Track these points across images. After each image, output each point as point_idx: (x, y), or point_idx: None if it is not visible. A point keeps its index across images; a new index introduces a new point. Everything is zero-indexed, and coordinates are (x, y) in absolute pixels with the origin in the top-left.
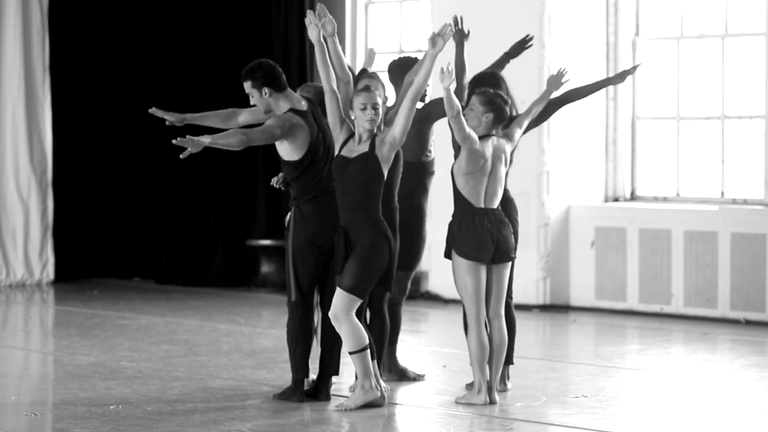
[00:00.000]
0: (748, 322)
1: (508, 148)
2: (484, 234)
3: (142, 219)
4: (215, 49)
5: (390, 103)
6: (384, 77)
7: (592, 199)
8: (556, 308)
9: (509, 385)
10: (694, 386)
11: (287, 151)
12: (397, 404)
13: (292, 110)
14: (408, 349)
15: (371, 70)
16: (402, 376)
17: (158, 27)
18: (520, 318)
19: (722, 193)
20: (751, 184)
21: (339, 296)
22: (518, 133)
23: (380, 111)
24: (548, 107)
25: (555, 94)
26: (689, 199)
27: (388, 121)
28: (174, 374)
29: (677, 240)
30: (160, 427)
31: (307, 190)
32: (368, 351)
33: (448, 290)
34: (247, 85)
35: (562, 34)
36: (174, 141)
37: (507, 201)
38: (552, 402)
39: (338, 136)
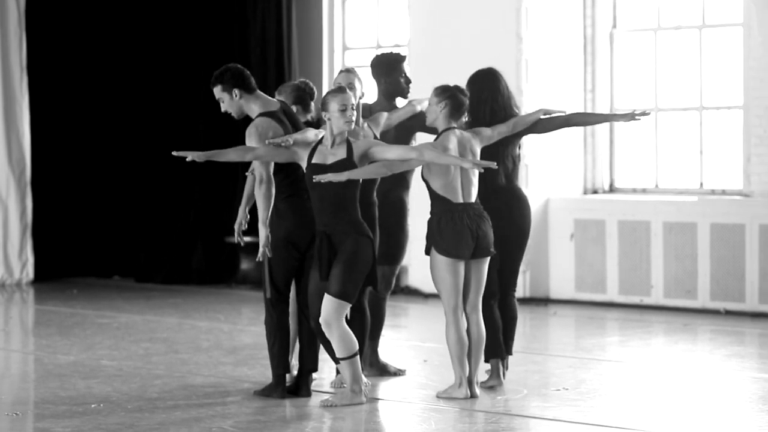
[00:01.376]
0: (728, 313)
1: (474, 142)
2: (464, 230)
3: (121, 218)
4: (193, 48)
5: (369, 99)
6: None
7: (571, 192)
8: (536, 301)
9: (503, 377)
10: (675, 377)
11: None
12: (378, 399)
13: (262, 114)
14: (389, 344)
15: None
16: (383, 371)
17: (136, 26)
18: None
19: (701, 184)
20: (730, 175)
21: (328, 302)
22: (488, 132)
23: (356, 109)
24: (547, 124)
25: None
26: (668, 191)
27: (373, 120)
28: (154, 372)
29: (656, 231)
30: (142, 425)
31: (282, 189)
32: (358, 356)
33: (428, 285)
34: (217, 90)
35: (540, 27)
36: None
37: (514, 197)
38: (533, 395)
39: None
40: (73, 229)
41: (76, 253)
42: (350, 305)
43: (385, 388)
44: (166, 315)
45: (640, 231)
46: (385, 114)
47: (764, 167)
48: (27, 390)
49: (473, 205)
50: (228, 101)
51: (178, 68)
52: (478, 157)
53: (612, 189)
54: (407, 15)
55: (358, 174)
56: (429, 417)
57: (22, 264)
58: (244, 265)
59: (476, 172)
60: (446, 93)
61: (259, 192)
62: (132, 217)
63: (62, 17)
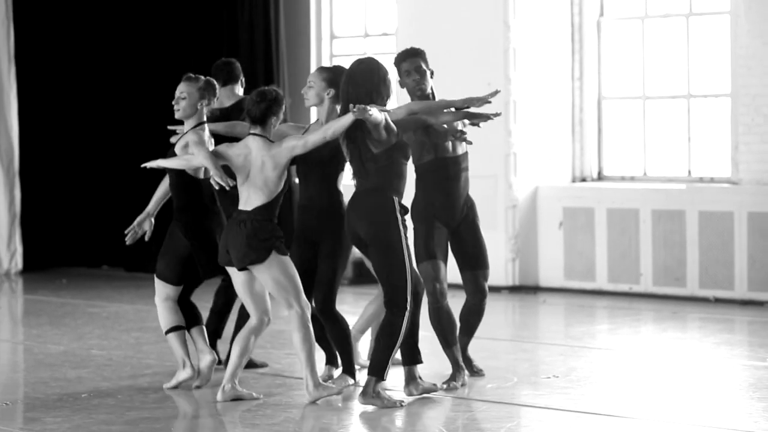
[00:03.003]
0: (718, 300)
1: None
2: None
3: (109, 207)
4: (182, 37)
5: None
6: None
7: (559, 180)
8: (526, 289)
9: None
10: (664, 365)
11: None
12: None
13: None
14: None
15: None
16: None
17: (124, 16)
18: (489, 299)
19: (689, 172)
20: (718, 163)
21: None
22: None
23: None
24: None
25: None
26: (656, 179)
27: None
28: (145, 362)
29: (645, 219)
30: (132, 415)
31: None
32: (182, 331)
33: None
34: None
35: (527, 16)
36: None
37: None
38: (523, 383)
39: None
40: (61, 219)
41: (65, 243)
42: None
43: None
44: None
45: (628, 219)
46: None
47: (752, 155)
48: (17, 380)
49: None
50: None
51: (167, 56)
52: None
53: (600, 177)
54: (395, 3)
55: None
56: (421, 405)
57: (11, 254)
58: None
59: None
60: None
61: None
62: (121, 206)
63: (50, 7)
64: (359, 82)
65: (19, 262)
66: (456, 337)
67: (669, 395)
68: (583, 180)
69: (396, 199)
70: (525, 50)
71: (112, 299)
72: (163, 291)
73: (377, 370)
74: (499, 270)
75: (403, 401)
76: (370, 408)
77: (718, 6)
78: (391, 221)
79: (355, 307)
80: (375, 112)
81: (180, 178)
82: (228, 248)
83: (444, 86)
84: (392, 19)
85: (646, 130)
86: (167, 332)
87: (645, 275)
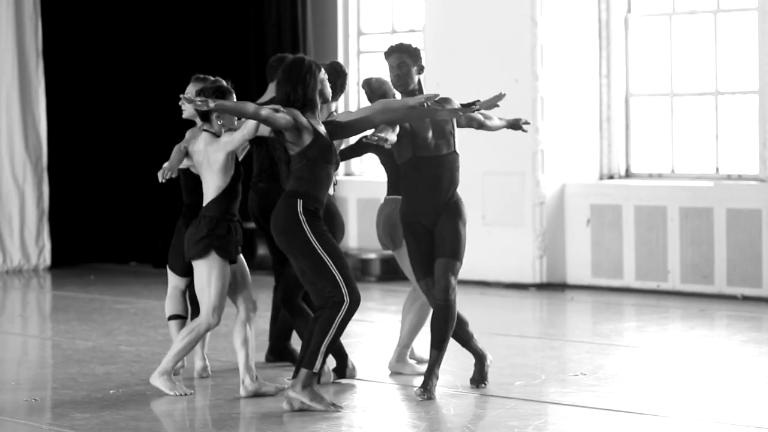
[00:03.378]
0: (745, 298)
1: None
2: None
3: (137, 203)
4: (209, 33)
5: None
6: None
7: (587, 177)
8: (553, 287)
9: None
10: (692, 363)
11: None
12: (395, 385)
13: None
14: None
15: None
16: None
17: (152, 13)
18: (516, 296)
19: (717, 169)
20: (746, 160)
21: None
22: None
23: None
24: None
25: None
26: (684, 176)
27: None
28: None
29: (673, 216)
30: (160, 410)
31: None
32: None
33: None
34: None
35: (555, 12)
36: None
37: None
38: (551, 380)
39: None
40: (89, 215)
41: (93, 239)
42: None
43: (402, 375)
44: None
45: (656, 216)
46: None
47: None
48: (45, 375)
49: None
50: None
51: (195, 53)
52: None
53: (628, 174)
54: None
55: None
56: (447, 402)
57: (39, 250)
58: (261, 250)
59: None
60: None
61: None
62: (149, 202)
63: (78, 3)
64: (280, 81)
65: (47, 258)
66: (468, 332)
67: (696, 393)
68: (611, 177)
69: (301, 202)
70: (552, 47)
71: (141, 295)
72: (171, 281)
73: (309, 362)
74: (527, 267)
75: (340, 407)
76: (390, 408)
77: (745, 3)
78: (295, 230)
79: (382, 304)
80: (391, 136)
81: (189, 178)
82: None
83: (471, 82)
84: (419, 16)
85: (674, 127)
86: (169, 319)
87: (672, 273)
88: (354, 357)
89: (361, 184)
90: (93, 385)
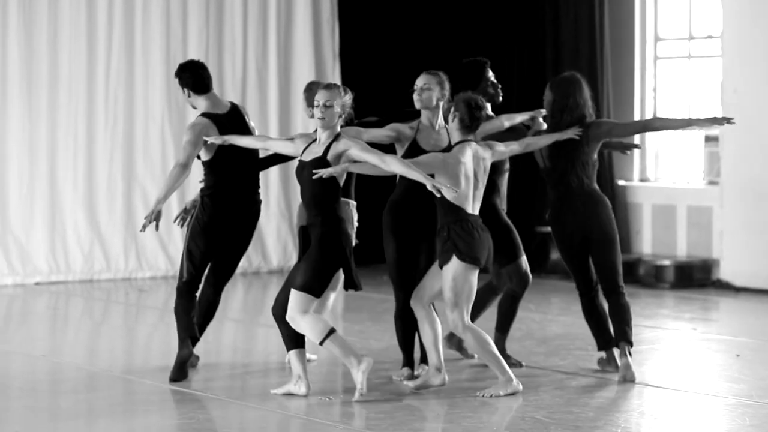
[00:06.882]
0: None
1: (486, 156)
2: (481, 240)
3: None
4: (505, 40)
5: None
6: None
7: None
8: None
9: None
10: None
11: (202, 150)
12: (689, 392)
13: (204, 114)
14: (699, 337)
15: None
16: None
17: (447, 15)
18: None
19: None
20: None
21: (293, 297)
22: (502, 147)
23: (334, 111)
24: (622, 130)
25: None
26: None
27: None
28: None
29: None
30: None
31: (210, 185)
32: (335, 332)
33: (740, 278)
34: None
35: None
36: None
37: (591, 199)
38: None
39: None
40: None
41: None
42: (316, 299)
43: (694, 381)
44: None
45: None
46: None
47: None
48: (336, 373)
49: (478, 218)
50: (183, 95)
51: (491, 54)
52: (488, 171)
53: None
54: (719, 5)
55: (333, 171)
56: (743, 413)
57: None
58: (554, 255)
59: (482, 186)
60: (458, 106)
61: (172, 173)
62: None
63: (374, 5)
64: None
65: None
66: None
67: None
68: None
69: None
70: None
71: None
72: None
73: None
74: None
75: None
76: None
77: None
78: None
79: (676, 311)
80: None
81: (320, 189)
82: (482, 249)
83: None
84: (717, 21)
85: None
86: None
87: None
88: (648, 364)
89: (656, 189)
90: (384, 383)
